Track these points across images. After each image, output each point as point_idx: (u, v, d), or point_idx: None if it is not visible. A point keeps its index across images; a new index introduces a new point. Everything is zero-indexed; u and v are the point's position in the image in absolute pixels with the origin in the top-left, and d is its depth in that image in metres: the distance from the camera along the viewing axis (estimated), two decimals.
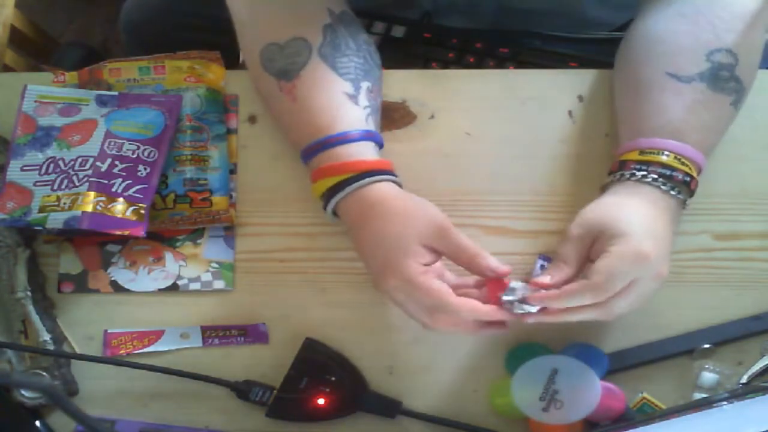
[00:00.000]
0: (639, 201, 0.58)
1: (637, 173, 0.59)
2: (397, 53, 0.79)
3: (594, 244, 0.57)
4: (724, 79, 0.61)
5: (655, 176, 0.58)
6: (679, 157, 0.59)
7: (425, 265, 0.56)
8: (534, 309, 0.56)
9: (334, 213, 0.62)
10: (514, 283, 0.57)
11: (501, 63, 0.78)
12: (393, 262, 0.56)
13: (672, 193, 0.59)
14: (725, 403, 0.55)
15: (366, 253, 0.59)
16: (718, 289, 0.66)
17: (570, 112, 0.70)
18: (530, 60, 0.78)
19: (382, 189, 0.60)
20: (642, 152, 0.60)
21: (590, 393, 0.61)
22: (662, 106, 0.61)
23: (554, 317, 0.56)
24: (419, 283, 0.55)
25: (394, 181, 0.61)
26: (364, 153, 0.61)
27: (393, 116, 0.70)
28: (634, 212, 0.57)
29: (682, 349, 0.65)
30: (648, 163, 0.59)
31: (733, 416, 0.55)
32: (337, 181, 0.60)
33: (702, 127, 0.61)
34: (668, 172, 0.59)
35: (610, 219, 0.56)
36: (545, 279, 0.57)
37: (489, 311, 0.56)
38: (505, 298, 0.56)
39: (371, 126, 0.64)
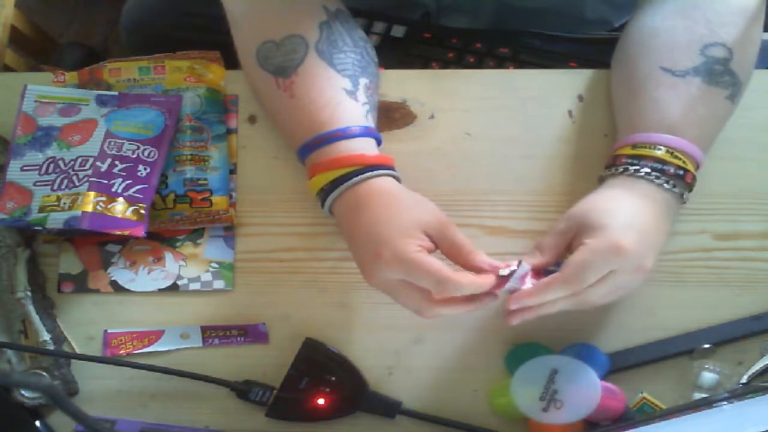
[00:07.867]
0: (628, 194, 0.59)
1: (630, 168, 0.59)
2: (397, 53, 0.79)
3: (575, 238, 0.57)
4: (719, 73, 0.61)
5: (648, 170, 0.59)
6: (671, 150, 0.59)
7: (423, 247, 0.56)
8: (528, 285, 0.56)
9: (330, 209, 0.62)
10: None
11: (501, 63, 0.78)
12: (391, 242, 0.55)
13: (666, 186, 0.59)
14: (725, 403, 0.55)
15: (360, 239, 0.58)
16: (718, 289, 0.66)
17: (570, 112, 0.70)
18: (530, 60, 0.78)
19: (383, 182, 0.60)
20: (635, 146, 0.60)
21: (590, 393, 0.61)
22: (657, 101, 0.61)
23: (533, 313, 0.57)
24: (418, 261, 0.54)
25: (395, 177, 0.61)
26: (366, 148, 0.61)
27: (393, 116, 0.70)
28: (618, 205, 0.58)
29: (682, 349, 0.64)
30: (640, 157, 0.59)
31: (733, 416, 0.55)
32: (339, 174, 0.59)
33: (698, 121, 0.61)
34: (660, 166, 0.59)
35: (592, 212, 0.57)
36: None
37: (489, 282, 0.55)
38: (509, 286, 0.56)
39: (370, 122, 0.64)
